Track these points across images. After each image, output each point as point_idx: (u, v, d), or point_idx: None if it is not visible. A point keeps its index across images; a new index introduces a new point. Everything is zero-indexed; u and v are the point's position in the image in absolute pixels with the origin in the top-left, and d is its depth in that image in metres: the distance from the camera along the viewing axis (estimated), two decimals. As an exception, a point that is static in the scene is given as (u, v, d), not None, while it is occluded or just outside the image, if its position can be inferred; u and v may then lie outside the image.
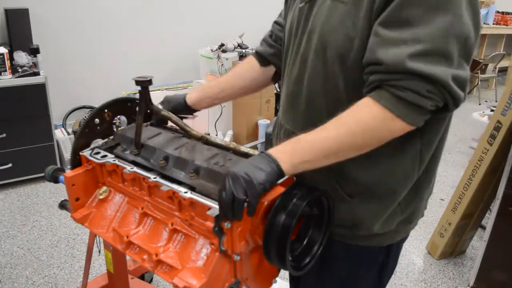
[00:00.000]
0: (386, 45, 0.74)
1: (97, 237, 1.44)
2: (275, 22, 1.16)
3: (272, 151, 0.80)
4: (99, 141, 1.09)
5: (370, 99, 0.76)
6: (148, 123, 1.15)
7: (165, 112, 1.07)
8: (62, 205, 1.12)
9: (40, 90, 2.81)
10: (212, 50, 3.60)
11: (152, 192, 0.94)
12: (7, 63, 2.68)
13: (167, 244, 0.90)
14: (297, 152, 0.79)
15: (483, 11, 5.69)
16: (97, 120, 1.07)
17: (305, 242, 0.88)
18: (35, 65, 2.90)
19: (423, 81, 0.72)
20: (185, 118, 1.19)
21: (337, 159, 0.81)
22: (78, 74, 3.47)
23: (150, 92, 1.02)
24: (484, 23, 5.66)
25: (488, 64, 5.51)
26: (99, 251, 1.55)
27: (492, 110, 3.96)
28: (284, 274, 2.13)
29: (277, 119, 1.07)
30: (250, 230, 0.81)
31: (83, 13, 3.35)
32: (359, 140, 0.78)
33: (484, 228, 2.37)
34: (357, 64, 0.80)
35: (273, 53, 1.14)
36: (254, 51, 1.19)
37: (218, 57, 3.53)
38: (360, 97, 0.78)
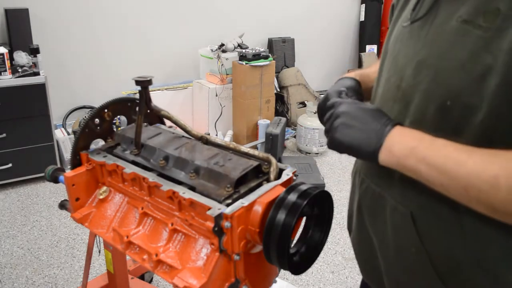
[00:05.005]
0: None
1: (97, 237, 1.44)
2: None
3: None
4: (100, 142, 1.10)
5: None
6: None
7: (165, 112, 1.07)
8: (62, 205, 1.12)
9: (40, 90, 2.81)
10: (212, 50, 3.60)
11: (152, 192, 0.94)
12: (7, 63, 2.68)
13: (167, 244, 0.90)
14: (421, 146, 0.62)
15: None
16: (97, 120, 1.07)
17: (305, 242, 0.88)
18: (35, 65, 2.89)
19: None
20: None
21: (460, 199, 0.60)
22: (78, 74, 3.47)
23: (150, 92, 1.02)
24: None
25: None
26: (99, 251, 1.56)
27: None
28: (284, 274, 2.13)
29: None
30: (250, 230, 0.81)
31: (83, 13, 3.35)
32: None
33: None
34: (494, 120, 0.58)
35: None
36: None
37: (218, 57, 3.53)
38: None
